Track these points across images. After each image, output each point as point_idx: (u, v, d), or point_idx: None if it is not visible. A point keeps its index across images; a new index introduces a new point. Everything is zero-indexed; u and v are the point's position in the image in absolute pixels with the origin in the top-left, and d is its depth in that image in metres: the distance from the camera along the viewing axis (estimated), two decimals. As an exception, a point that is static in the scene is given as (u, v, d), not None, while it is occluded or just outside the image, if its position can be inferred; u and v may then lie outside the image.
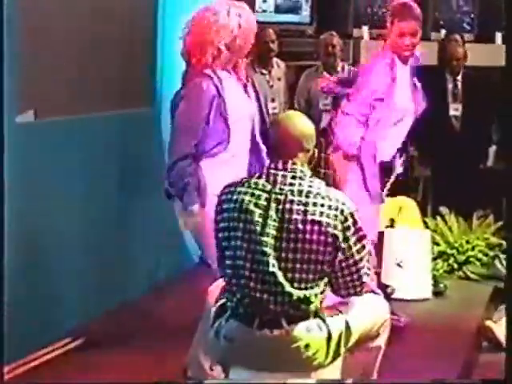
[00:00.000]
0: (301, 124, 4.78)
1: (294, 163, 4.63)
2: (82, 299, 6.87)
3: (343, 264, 4.62)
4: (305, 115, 4.99)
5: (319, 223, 4.51)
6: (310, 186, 4.59)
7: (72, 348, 6.66)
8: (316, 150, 4.85)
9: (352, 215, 4.60)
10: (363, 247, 4.68)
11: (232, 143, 5.81)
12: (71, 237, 6.75)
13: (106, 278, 7.17)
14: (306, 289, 4.54)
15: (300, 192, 4.56)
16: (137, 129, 7.56)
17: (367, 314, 4.87)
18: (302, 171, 4.64)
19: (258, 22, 10.06)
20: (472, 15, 12.45)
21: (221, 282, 4.96)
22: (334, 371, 4.80)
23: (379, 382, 4.29)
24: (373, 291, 5.19)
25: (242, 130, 5.93)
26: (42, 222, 6.42)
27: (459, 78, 10.82)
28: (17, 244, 5.75)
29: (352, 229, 4.59)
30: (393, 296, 7.01)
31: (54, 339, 6.61)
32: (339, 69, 10.43)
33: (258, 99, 6.81)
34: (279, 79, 9.98)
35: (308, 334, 4.56)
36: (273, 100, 9.78)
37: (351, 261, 4.63)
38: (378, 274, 6.88)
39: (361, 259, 4.67)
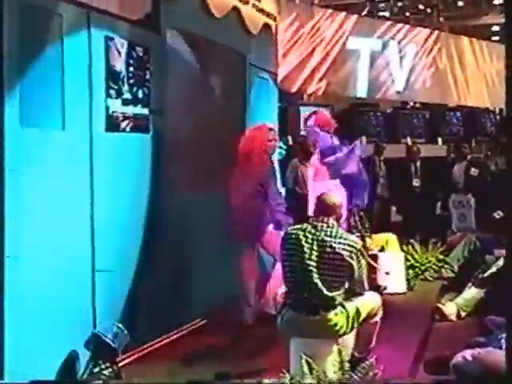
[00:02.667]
0: (334, 199, 4.83)
1: (328, 219, 4.69)
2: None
3: (355, 277, 4.65)
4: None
5: (342, 254, 4.57)
6: (337, 232, 4.65)
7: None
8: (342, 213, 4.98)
9: (360, 250, 4.69)
10: (364, 267, 4.77)
11: None
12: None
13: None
14: (334, 291, 4.56)
15: (330, 235, 4.61)
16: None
17: (369, 302, 4.84)
18: (332, 224, 4.70)
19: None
20: (422, 127, 12.40)
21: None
22: (351, 337, 4.80)
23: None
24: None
25: None
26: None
27: (418, 164, 10.77)
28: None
29: (360, 258, 4.67)
30: (385, 291, 6.91)
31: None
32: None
33: None
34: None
35: (335, 317, 4.56)
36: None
37: (360, 275, 4.69)
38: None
39: (364, 274, 4.74)
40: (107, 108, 5.14)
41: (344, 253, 4.55)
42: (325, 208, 4.76)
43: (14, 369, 4.18)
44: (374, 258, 7.43)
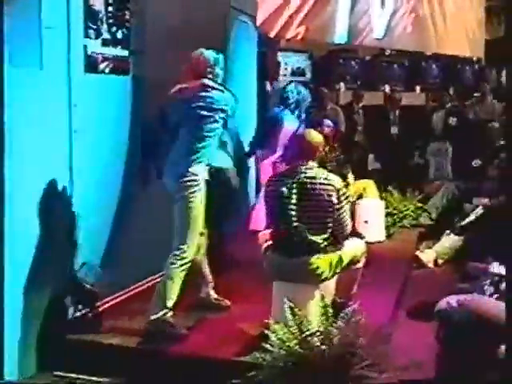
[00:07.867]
0: (314, 137, 4.73)
1: (307, 161, 4.60)
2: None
3: (337, 218, 4.57)
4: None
5: (322, 195, 4.49)
6: (317, 173, 4.56)
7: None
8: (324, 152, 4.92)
9: (341, 189, 4.56)
10: (347, 208, 4.65)
11: None
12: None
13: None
14: (317, 235, 4.51)
15: (309, 177, 4.52)
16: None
17: (352, 249, 4.79)
18: (312, 165, 4.60)
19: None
20: (401, 75, 12.41)
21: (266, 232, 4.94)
22: (332, 282, 4.79)
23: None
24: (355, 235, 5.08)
25: None
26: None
27: (397, 112, 10.76)
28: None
29: (342, 197, 4.55)
30: (364, 240, 6.89)
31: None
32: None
33: None
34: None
35: (317, 260, 4.51)
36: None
37: (342, 216, 4.60)
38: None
39: (346, 215, 4.63)
40: (85, 48, 5.02)
41: (324, 193, 4.47)
42: (304, 147, 4.65)
43: None
44: (353, 205, 7.40)
